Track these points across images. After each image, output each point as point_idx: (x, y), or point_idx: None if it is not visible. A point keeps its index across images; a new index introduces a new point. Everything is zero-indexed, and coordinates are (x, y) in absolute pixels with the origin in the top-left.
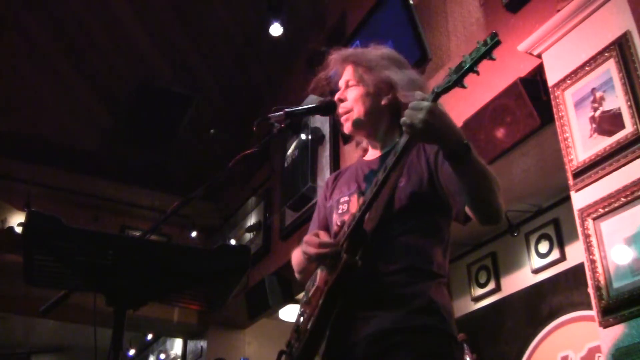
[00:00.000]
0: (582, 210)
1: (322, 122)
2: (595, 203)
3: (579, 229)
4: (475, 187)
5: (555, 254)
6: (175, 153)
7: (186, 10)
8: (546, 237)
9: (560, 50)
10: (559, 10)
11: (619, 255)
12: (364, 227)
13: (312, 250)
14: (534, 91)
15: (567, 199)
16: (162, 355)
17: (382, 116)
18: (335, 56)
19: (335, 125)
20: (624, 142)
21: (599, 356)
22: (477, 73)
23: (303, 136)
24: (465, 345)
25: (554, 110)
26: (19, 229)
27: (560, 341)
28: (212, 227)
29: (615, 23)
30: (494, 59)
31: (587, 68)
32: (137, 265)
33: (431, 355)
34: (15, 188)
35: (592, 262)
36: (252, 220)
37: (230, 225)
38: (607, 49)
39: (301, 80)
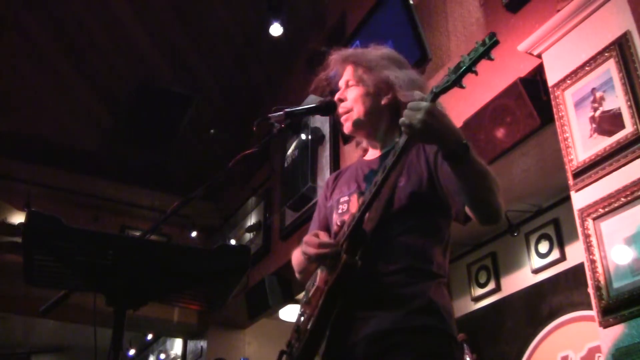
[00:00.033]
0: (582, 210)
1: (322, 122)
2: (595, 203)
3: (579, 229)
4: (475, 187)
5: (555, 254)
6: (175, 153)
7: (186, 10)
8: (546, 237)
9: (560, 50)
10: (559, 10)
11: (619, 255)
12: (363, 227)
13: (312, 251)
14: (534, 91)
15: (567, 199)
16: (162, 355)
17: (382, 116)
18: (335, 56)
19: (335, 125)
20: (624, 142)
21: (599, 356)
22: (476, 73)
23: (303, 136)
24: (465, 345)
25: (554, 110)
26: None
27: (560, 341)
28: (212, 227)
29: (615, 23)
30: (492, 59)
31: (587, 68)
32: (137, 265)
33: (431, 355)
34: (15, 188)
35: (592, 262)
36: (252, 220)
37: (230, 225)
38: (607, 49)
39: (301, 80)
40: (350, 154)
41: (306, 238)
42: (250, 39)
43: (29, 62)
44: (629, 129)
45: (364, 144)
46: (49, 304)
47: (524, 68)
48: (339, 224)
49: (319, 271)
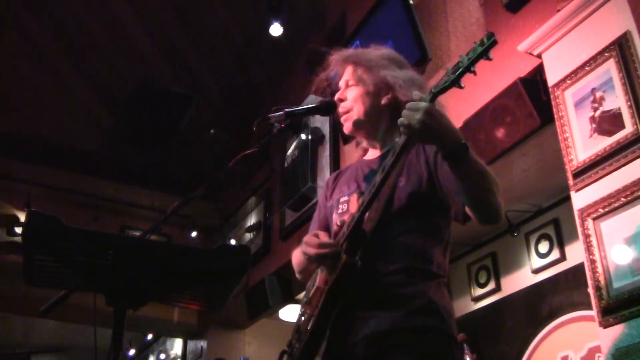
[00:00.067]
0: (582, 210)
1: (322, 122)
2: (595, 203)
3: (579, 229)
4: (474, 187)
5: (555, 254)
6: (175, 153)
7: (186, 10)
8: (546, 237)
9: (560, 50)
10: (559, 10)
11: (619, 255)
12: (363, 227)
13: (312, 251)
14: (534, 91)
15: (567, 199)
16: (162, 355)
17: (382, 116)
18: (335, 57)
19: (335, 125)
20: (624, 142)
21: (599, 356)
22: (474, 73)
23: (303, 136)
24: (465, 345)
25: (554, 110)
26: (19, 229)
27: (560, 341)
28: (212, 227)
29: (615, 23)
30: (490, 59)
31: (587, 68)
32: (137, 265)
33: (431, 356)
34: (15, 188)
35: (592, 262)
36: (252, 220)
37: (230, 225)
38: (607, 49)
39: (301, 80)
40: (350, 154)
41: (306, 238)
42: (250, 39)
43: (29, 62)
44: (629, 129)
45: (364, 144)
46: (49, 304)
47: (524, 68)
48: (338, 224)
49: (319, 271)
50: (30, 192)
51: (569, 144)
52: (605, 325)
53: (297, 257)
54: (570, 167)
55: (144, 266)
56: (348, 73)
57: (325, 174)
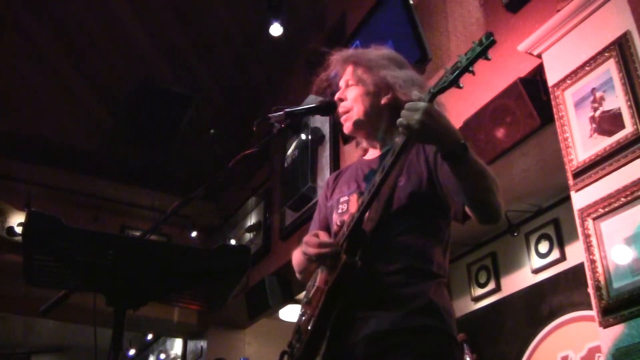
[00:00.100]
0: (582, 210)
1: (322, 122)
2: (595, 203)
3: (579, 229)
4: (474, 187)
5: (555, 254)
6: (175, 153)
7: (186, 10)
8: (546, 237)
9: (560, 50)
10: (559, 10)
11: (619, 255)
12: (363, 227)
13: (312, 251)
14: (534, 91)
15: (567, 199)
16: (162, 355)
17: (382, 115)
18: (335, 57)
19: (335, 125)
20: (624, 142)
21: (599, 356)
22: (473, 73)
23: (303, 136)
24: (465, 345)
25: (554, 110)
26: (19, 229)
27: (560, 341)
28: (212, 227)
29: (615, 23)
30: (489, 59)
31: (587, 68)
32: (137, 265)
33: (431, 356)
34: (15, 188)
35: (592, 262)
36: (252, 220)
37: (230, 225)
38: (607, 49)
39: (301, 80)
40: (350, 154)
41: (306, 238)
42: (250, 39)
43: (29, 62)
44: (629, 129)
45: (364, 143)
46: (49, 304)
47: (524, 68)
48: (338, 223)
49: (319, 271)
50: (30, 192)
51: (569, 144)
52: (605, 325)
53: (297, 257)
54: (570, 167)
55: (144, 266)
56: (348, 73)
57: (325, 174)
